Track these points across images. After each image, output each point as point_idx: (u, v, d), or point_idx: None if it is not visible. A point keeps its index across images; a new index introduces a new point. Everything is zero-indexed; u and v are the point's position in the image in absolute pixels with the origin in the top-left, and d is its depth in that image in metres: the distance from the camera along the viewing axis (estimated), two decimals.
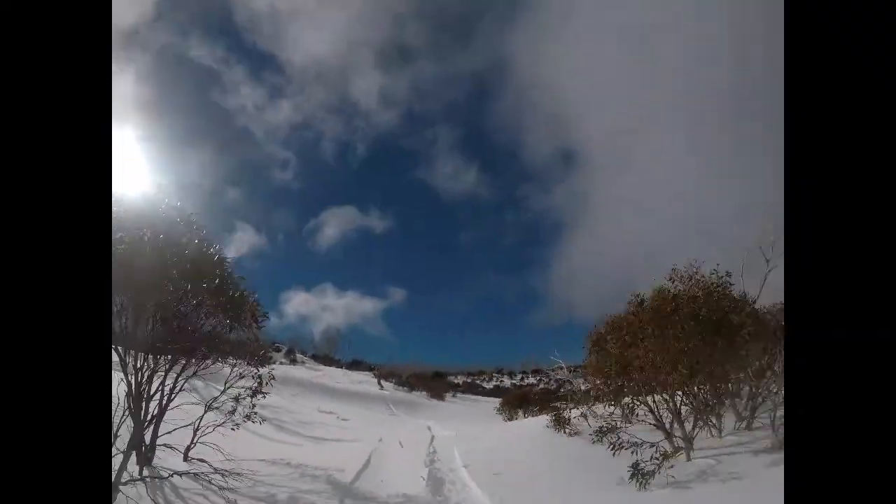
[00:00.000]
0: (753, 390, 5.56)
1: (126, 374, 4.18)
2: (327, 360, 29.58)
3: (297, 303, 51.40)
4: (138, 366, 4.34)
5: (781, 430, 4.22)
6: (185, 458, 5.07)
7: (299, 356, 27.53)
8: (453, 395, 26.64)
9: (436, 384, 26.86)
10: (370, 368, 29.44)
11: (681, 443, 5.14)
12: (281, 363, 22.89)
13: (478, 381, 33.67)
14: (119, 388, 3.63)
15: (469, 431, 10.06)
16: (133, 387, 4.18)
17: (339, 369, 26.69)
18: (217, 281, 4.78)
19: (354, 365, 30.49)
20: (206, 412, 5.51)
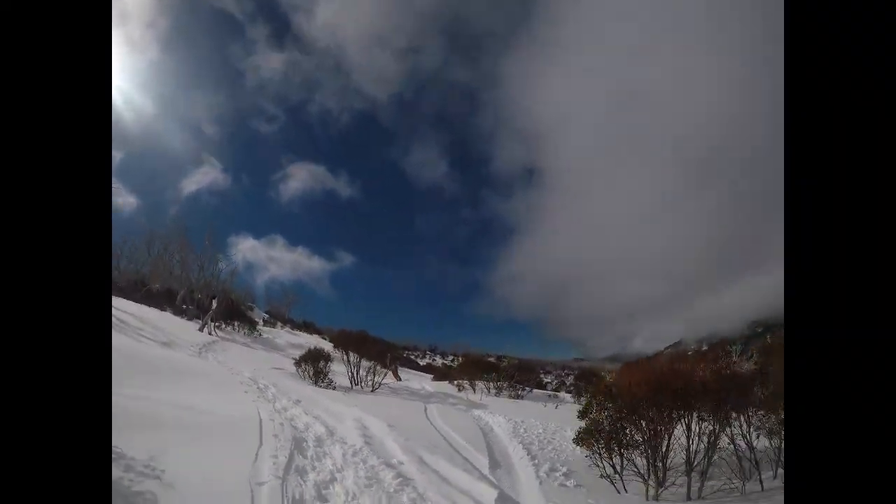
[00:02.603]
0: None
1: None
2: (285, 321, 29.51)
3: (243, 248, 50.23)
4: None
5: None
6: None
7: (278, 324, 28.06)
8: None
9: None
10: (318, 332, 29.83)
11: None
12: (266, 325, 24.48)
13: (412, 356, 34.33)
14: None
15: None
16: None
17: (311, 335, 27.14)
18: None
19: (305, 326, 30.25)
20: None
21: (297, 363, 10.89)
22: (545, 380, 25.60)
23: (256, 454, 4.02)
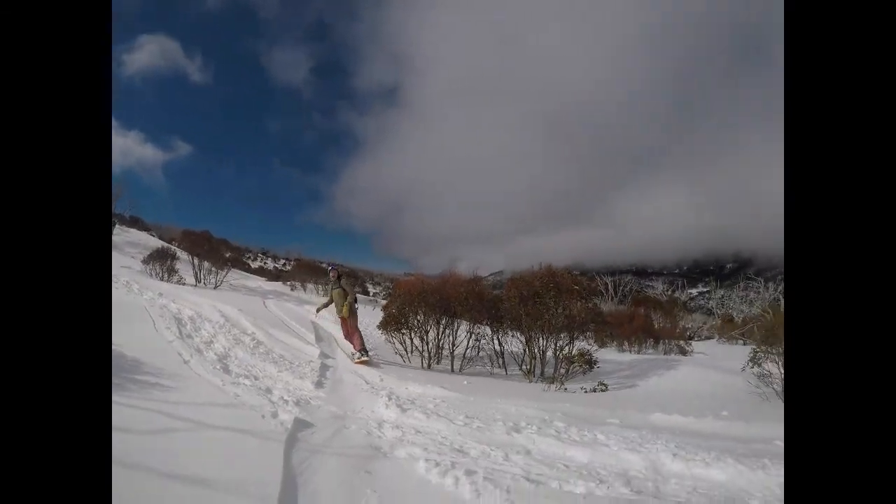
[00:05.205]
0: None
1: None
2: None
3: None
4: None
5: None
6: None
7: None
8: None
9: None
10: (147, 229, 27.12)
11: None
12: None
13: (244, 259, 33.17)
14: None
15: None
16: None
17: (140, 231, 24.68)
18: None
19: (133, 223, 26.86)
20: None
21: (146, 261, 11.93)
22: (373, 290, 29.06)
23: (155, 328, 5.74)
